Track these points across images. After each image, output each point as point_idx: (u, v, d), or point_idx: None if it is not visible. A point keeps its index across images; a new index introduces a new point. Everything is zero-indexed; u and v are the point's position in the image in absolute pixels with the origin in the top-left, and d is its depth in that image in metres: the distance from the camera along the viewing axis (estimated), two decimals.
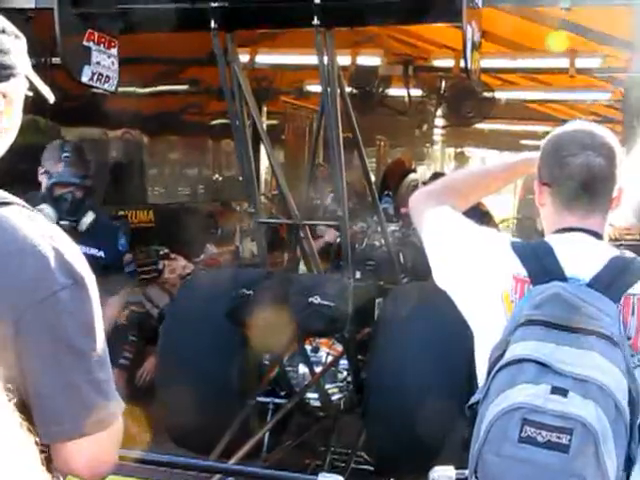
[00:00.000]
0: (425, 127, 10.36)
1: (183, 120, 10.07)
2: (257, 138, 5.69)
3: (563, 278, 1.95)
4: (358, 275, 5.77)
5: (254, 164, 5.44)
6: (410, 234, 7.07)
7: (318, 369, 5.39)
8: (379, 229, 6.22)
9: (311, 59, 5.01)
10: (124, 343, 6.21)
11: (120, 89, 5.17)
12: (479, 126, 12.41)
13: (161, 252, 8.05)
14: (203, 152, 11.30)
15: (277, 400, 5.47)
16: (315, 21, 4.50)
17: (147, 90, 9.10)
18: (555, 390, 1.75)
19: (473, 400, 1.96)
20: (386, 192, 7.20)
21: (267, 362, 5.56)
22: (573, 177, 2.06)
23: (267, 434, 5.21)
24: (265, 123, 9.18)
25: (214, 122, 10.33)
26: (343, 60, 7.57)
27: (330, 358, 5.49)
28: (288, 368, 5.51)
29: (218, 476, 2.98)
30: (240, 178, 5.50)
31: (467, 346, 5.12)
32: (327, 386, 5.45)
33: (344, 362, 5.44)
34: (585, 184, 2.06)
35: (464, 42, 4.17)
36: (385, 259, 6.17)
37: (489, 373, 1.88)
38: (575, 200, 2.08)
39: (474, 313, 2.15)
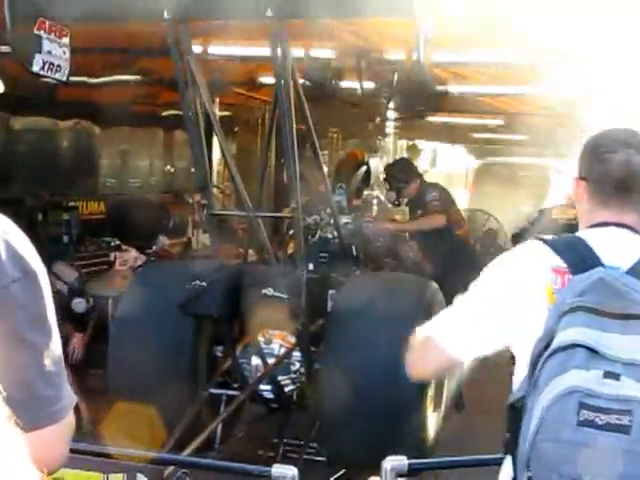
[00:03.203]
0: (378, 120, 10.38)
1: (135, 111, 9.99)
2: (210, 130, 5.67)
3: (601, 266, 1.97)
4: (311, 267, 5.78)
5: (207, 156, 5.43)
6: (362, 226, 7.10)
7: (271, 361, 5.40)
8: (332, 221, 6.24)
9: (265, 51, 5.01)
10: None
11: (72, 79, 5.12)
12: (431, 119, 12.50)
13: (112, 243, 8.00)
14: (155, 143, 11.24)
15: (230, 392, 5.47)
16: (268, 13, 4.50)
17: (99, 80, 9.01)
18: (607, 374, 1.74)
19: (514, 398, 1.96)
20: (339, 184, 7.21)
21: (220, 354, 5.56)
22: (611, 173, 2.08)
23: (220, 426, 5.21)
24: (218, 115, 9.13)
25: (167, 113, 10.27)
26: (296, 52, 7.57)
27: (283, 350, 5.50)
28: (241, 360, 5.51)
29: (171, 468, 2.97)
30: (193, 169, 5.47)
31: None
32: (280, 378, 5.46)
33: (297, 354, 5.46)
34: (623, 181, 2.08)
35: (416, 36, 4.20)
36: (338, 251, 6.20)
37: (535, 365, 1.87)
38: (611, 196, 2.11)
39: (520, 322, 2.09)
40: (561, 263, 2.04)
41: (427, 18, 4.33)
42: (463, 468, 3.38)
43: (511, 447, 1.96)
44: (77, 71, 5.34)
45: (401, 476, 2.92)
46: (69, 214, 7.71)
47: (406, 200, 7.88)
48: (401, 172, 7.79)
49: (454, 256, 7.12)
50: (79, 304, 6.18)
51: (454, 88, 9.67)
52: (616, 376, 1.73)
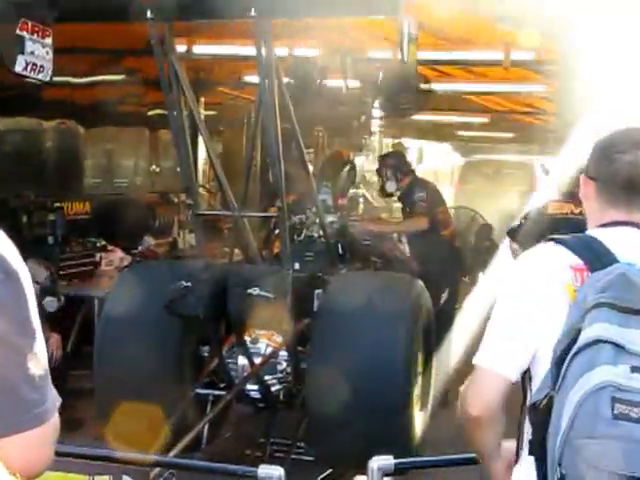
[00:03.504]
0: (363, 118, 10.38)
1: (120, 111, 9.97)
2: (195, 129, 5.66)
3: (617, 262, 1.97)
4: (297, 266, 5.78)
5: (192, 155, 5.42)
6: (348, 225, 7.10)
7: (258, 360, 5.39)
8: (317, 220, 6.24)
9: (249, 50, 5.00)
10: None
11: (55, 79, 5.10)
12: (416, 117, 12.50)
13: (98, 244, 7.98)
14: (141, 143, 11.21)
15: (216, 392, 5.46)
16: (253, 12, 4.49)
17: (83, 80, 8.98)
18: (634, 369, 1.74)
19: (537, 398, 1.95)
20: (324, 183, 7.20)
21: (206, 354, 5.55)
22: (620, 173, 2.08)
23: (206, 426, 5.20)
24: (203, 114, 9.12)
25: (151, 113, 10.24)
26: (280, 51, 7.56)
27: (269, 349, 5.49)
28: (227, 360, 5.50)
29: (157, 469, 2.97)
30: (178, 169, 5.46)
31: (404, 335, 5.20)
32: (266, 377, 5.45)
33: (284, 353, 5.45)
34: (631, 181, 2.08)
35: (400, 35, 4.20)
36: (324, 250, 6.20)
37: (560, 363, 1.86)
38: (620, 196, 2.11)
39: (545, 322, 2.07)
40: (578, 261, 2.03)
41: (412, 17, 4.34)
42: (450, 467, 3.39)
43: (537, 447, 1.95)
44: (61, 71, 5.31)
45: (388, 475, 2.92)
46: (54, 214, 7.67)
47: (399, 193, 7.87)
48: (398, 162, 7.78)
49: (438, 256, 7.14)
50: (50, 303, 6.13)
51: (439, 86, 9.69)
52: None
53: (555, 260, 2.08)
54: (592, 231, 2.15)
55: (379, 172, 8.03)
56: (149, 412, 4.77)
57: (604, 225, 2.13)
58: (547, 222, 5.54)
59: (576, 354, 1.82)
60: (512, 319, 2.12)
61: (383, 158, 8.19)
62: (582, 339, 1.82)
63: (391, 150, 8.64)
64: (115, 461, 2.93)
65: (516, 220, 6.75)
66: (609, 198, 2.13)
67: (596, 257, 2.02)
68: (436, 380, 5.96)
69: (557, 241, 2.12)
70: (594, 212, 2.19)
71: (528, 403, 2.04)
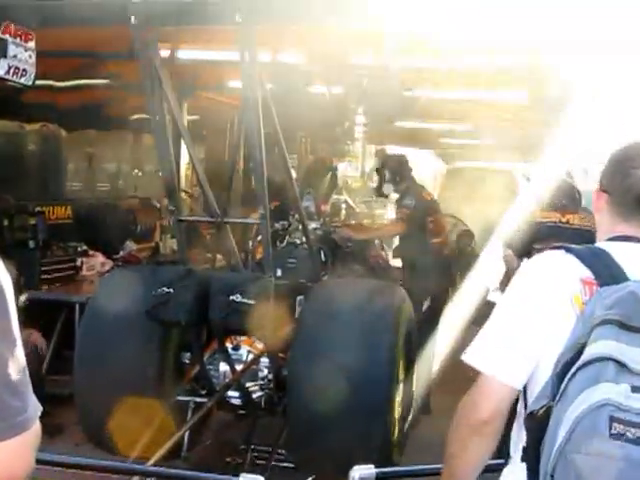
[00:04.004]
0: (346, 125, 10.40)
1: (102, 115, 9.93)
2: (178, 134, 5.65)
3: (626, 280, 1.97)
4: (279, 273, 5.77)
5: (174, 160, 5.40)
6: (330, 231, 7.10)
7: (239, 367, 5.38)
8: (300, 227, 6.23)
9: (233, 55, 5.00)
10: None
11: (38, 82, 5.08)
12: (400, 124, 12.53)
13: (79, 249, 7.94)
14: (123, 147, 11.17)
15: (197, 399, 5.44)
16: (237, 18, 4.49)
17: (66, 84, 8.94)
18: (635, 389, 1.74)
19: (535, 407, 1.94)
20: (307, 190, 7.20)
21: (187, 360, 5.53)
22: (634, 188, 2.09)
23: (187, 433, 5.18)
24: (186, 119, 9.10)
25: (134, 117, 10.20)
26: (264, 57, 7.56)
27: (251, 356, 5.48)
28: (209, 366, 5.49)
29: (137, 478, 2.95)
30: (160, 174, 5.44)
31: (386, 342, 5.20)
32: (248, 384, 5.44)
33: (265, 360, 5.44)
34: None
35: (385, 41, 4.21)
36: (306, 257, 6.19)
37: (563, 375, 1.85)
38: (633, 211, 2.11)
39: (549, 332, 2.05)
40: (589, 274, 2.02)
41: (396, 25, 4.35)
42: (431, 476, 3.38)
43: (530, 455, 1.95)
44: (44, 75, 5.29)
45: None
46: (35, 219, 7.62)
47: (395, 197, 7.85)
48: (399, 166, 7.76)
49: (423, 264, 7.13)
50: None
51: (423, 93, 9.70)
52: None
53: (565, 271, 2.06)
54: (602, 243, 2.15)
55: (378, 172, 7.99)
56: (129, 419, 4.74)
57: (614, 239, 2.13)
58: (537, 229, 5.56)
59: (579, 369, 1.82)
60: (518, 325, 2.09)
61: (385, 159, 8.15)
62: (586, 355, 1.82)
63: (395, 153, 8.57)
64: (94, 469, 2.91)
65: (504, 228, 6.79)
66: (621, 212, 2.13)
67: (606, 271, 2.01)
68: (418, 387, 5.96)
69: (567, 249, 2.10)
70: (605, 225, 2.19)
71: (524, 409, 2.04)
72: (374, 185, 8.59)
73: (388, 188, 7.77)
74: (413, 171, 7.81)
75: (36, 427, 1.59)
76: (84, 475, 2.87)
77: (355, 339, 4.98)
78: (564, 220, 5.52)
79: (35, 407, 1.59)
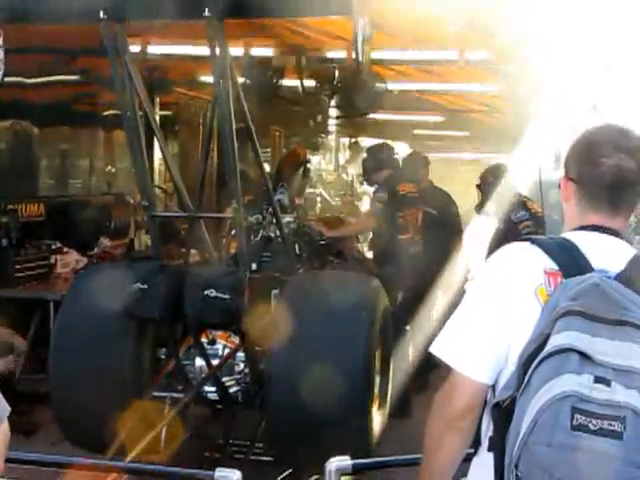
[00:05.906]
0: (319, 118, 10.40)
1: (74, 111, 9.86)
2: (150, 129, 5.62)
3: (592, 271, 1.96)
4: (254, 267, 5.76)
5: (147, 156, 5.38)
6: (304, 225, 7.09)
7: (215, 362, 5.38)
8: (274, 220, 6.22)
9: (204, 50, 4.98)
10: None
11: (8, 79, 5.04)
12: (373, 116, 12.54)
13: (53, 246, 7.89)
14: (96, 143, 11.10)
15: (174, 394, 5.42)
16: (206, 12, 4.48)
17: (36, 80, 8.87)
18: (598, 380, 1.74)
19: (501, 397, 1.95)
20: (281, 183, 7.19)
21: (163, 356, 5.51)
22: (603, 178, 2.06)
23: (164, 428, 5.17)
24: (158, 114, 9.06)
25: (106, 113, 10.15)
26: (236, 51, 7.54)
27: (227, 351, 5.48)
28: (185, 361, 5.48)
29: (114, 474, 2.94)
30: (133, 170, 5.42)
31: (362, 334, 5.20)
32: (224, 379, 5.44)
33: (241, 354, 5.44)
34: (613, 187, 2.06)
35: (355, 34, 4.21)
36: (281, 250, 6.18)
37: (527, 366, 1.86)
38: (602, 201, 2.09)
39: (514, 324, 2.04)
40: (553, 265, 2.02)
41: (366, 17, 4.35)
42: (408, 467, 3.39)
43: (496, 445, 1.97)
44: (14, 71, 5.25)
45: (345, 475, 2.93)
46: (7, 217, 7.55)
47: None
48: (382, 155, 7.72)
49: (393, 258, 7.14)
50: None
51: (395, 85, 9.72)
52: (607, 382, 1.75)
53: (529, 263, 2.05)
54: (569, 234, 2.13)
55: (363, 163, 7.97)
56: (105, 415, 4.72)
57: (582, 228, 2.11)
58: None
59: (543, 360, 1.82)
60: (485, 319, 2.08)
61: (370, 149, 8.10)
62: (550, 346, 1.83)
63: (382, 142, 8.51)
64: (69, 467, 2.90)
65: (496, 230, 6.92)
66: (590, 202, 2.11)
67: (572, 263, 2.00)
68: (394, 379, 5.98)
69: (533, 241, 2.10)
70: (573, 214, 2.16)
71: (492, 400, 2.05)
72: (362, 176, 8.55)
73: (369, 179, 7.77)
74: (395, 161, 7.81)
75: (4, 427, 1.59)
76: (57, 473, 2.86)
77: (331, 331, 4.98)
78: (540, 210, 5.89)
79: (3, 409, 1.58)
